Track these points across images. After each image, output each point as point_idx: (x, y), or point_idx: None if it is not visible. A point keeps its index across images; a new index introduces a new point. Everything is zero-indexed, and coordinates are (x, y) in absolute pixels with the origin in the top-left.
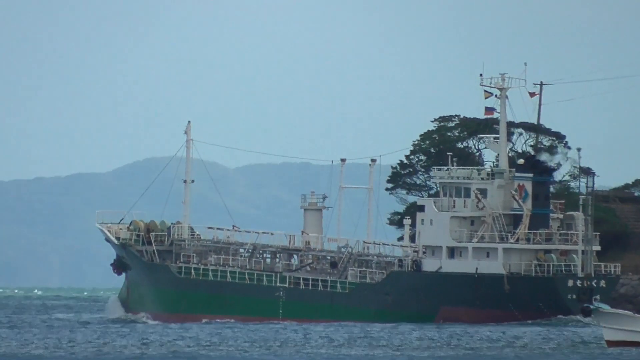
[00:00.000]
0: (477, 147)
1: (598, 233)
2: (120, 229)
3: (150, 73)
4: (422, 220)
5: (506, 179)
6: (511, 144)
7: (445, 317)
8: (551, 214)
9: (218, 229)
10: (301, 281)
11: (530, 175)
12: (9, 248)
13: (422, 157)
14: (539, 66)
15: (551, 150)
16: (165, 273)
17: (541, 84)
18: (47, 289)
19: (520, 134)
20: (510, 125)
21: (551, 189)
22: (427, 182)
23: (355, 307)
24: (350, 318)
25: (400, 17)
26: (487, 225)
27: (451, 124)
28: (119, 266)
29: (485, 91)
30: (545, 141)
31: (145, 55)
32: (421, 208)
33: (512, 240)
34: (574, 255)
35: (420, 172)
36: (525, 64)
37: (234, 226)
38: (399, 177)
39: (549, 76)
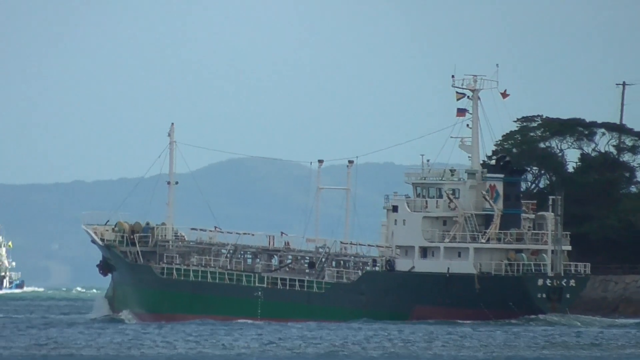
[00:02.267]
0: (559, 147)
1: (569, 233)
2: (107, 230)
3: (231, 74)
4: (395, 220)
5: (478, 180)
6: (594, 144)
7: (418, 316)
8: (523, 214)
9: (201, 230)
10: (279, 281)
11: (501, 176)
12: (78, 248)
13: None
14: (620, 65)
15: (634, 149)
16: (148, 274)
17: (624, 84)
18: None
19: (603, 134)
20: (593, 125)
21: (633, 189)
22: None
23: (331, 307)
24: (326, 317)
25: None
26: (458, 225)
27: (534, 124)
28: (104, 267)
29: (457, 92)
30: (628, 141)
31: (222, 55)
32: (395, 208)
33: (483, 240)
34: (545, 255)
35: None
36: (497, 65)
37: (215, 227)
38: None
39: (632, 76)
